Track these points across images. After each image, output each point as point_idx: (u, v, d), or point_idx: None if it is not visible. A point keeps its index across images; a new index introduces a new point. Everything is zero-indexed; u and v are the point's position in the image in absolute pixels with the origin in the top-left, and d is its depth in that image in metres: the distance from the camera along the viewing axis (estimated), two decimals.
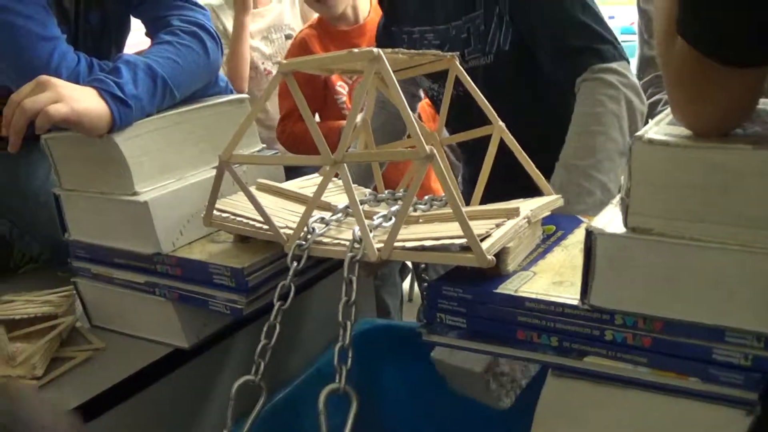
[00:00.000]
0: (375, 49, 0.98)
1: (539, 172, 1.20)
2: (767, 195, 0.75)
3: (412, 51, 1.14)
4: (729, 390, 0.80)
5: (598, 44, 1.44)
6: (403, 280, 3.01)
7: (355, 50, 0.99)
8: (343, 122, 2.45)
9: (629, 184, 0.81)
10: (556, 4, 1.47)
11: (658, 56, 0.80)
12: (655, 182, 0.80)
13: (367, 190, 1.27)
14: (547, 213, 1.12)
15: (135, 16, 1.58)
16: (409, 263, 2.66)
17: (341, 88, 2.51)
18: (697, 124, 0.80)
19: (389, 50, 1.03)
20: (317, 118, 2.59)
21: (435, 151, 0.93)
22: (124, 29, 1.65)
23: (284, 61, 1.05)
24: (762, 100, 0.92)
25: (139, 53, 1.33)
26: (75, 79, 1.26)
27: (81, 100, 1.17)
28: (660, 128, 0.83)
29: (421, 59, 1.20)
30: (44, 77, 1.18)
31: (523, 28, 1.55)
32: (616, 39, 1.47)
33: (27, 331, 1.20)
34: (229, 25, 2.84)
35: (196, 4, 1.48)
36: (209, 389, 1.28)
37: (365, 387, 1.53)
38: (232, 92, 1.46)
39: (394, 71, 0.98)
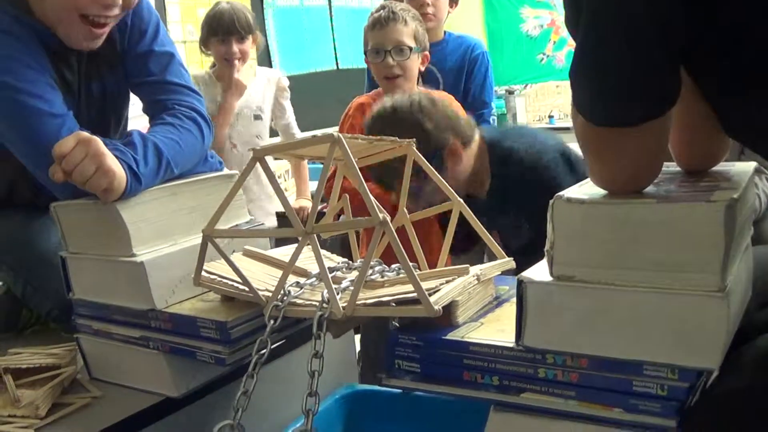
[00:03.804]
0: (335, 133, 1.07)
1: (494, 241, 1.28)
2: (670, 242, 0.82)
3: (371, 137, 1.22)
4: (649, 418, 0.86)
5: None
6: None
7: (318, 134, 1.08)
8: None
9: (553, 237, 0.88)
10: None
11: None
12: (575, 235, 0.87)
13: (342, 259, 1.34)
14: (498, 273, 1.19)
15: (135, 94, 1.65)
16: None
17: None
18: (608, 183, 0.88)
19: (348, 135, 1.12)
20: None
21: (388, 218, 1.01)
22: (124, 100, 1.71)
23: (258, 148, 1.14)
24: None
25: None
26: None
27: (115, 169, 1.24)
28: (581, 189, 0.91)
29: (381, 146, 1.29)
30: (84, 136, 1.24)
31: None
32: None
33: (32, 379, 1.26)
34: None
35: (192, 89, 1.57)
36: None
37: None
38: (221, 165, 1.55)
39: (356, 158, 1.06)
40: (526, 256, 1.12)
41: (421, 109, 1.89)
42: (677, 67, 0.80)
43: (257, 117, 3.09)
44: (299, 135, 3.29)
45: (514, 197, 1.92)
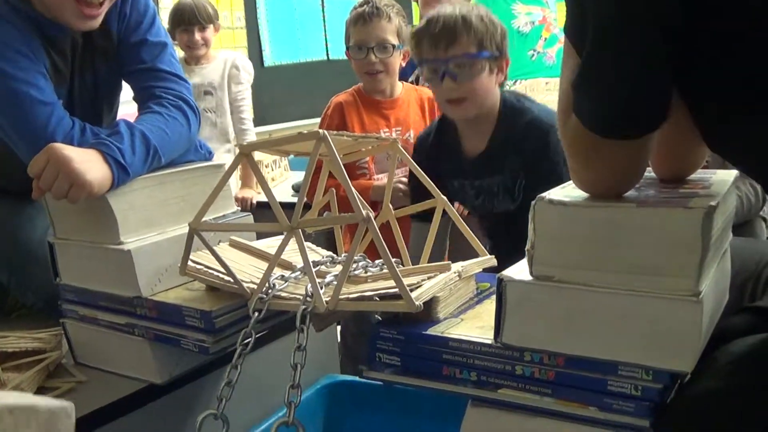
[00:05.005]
0: (321, 131, 1.09)
1: (476, 238, 1.29)
2: (648, 246, 0.84)
3: (356, 134, 1.24)
4: (622, 417, 0.88)
5: None
6: None
7: (304, 131, 1.10)
8: (371, 182, 2.56)
9: (533, 237, 0.90)
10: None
11: (558, 131, 0.90)
12: (555, 236, 0.89)
13: (326, 252, 1.36)
14: (479, 270, 1.21)
15: (126, 81, 1.66)
16: None
17: None
18: (591, 188, 0.89)
19: (334, 132, 1.14)
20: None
21: (371, 215, 1.03)
22: (116, 89, 1.72)
23: (244, 143, 1.16)
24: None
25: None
26: (69, 142, 1.35)
27: (90, 170, 1.25)
28: (562, 191, 0.93)
29: (367, 142, 1.31)
30: (55, 153, 1.25)
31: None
32: None
33: (18, 363, 1.27)
34: None
35: (181, 77, 1.59)
36: (179, 423, 1.34)
37: None
38: (211, 156, 1.56)
39: (341, 154, 1.08)
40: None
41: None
42: (672, 80, 0.81)
43: (207, 93, 3.41)
44: (247, 115, 3.56)
45: (516, 147, 1.91)
